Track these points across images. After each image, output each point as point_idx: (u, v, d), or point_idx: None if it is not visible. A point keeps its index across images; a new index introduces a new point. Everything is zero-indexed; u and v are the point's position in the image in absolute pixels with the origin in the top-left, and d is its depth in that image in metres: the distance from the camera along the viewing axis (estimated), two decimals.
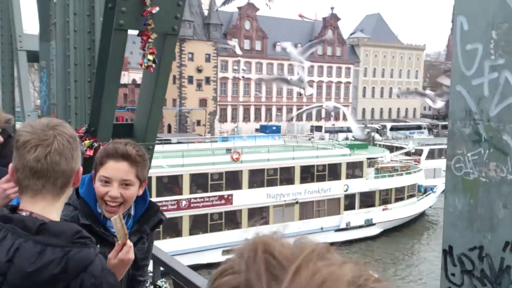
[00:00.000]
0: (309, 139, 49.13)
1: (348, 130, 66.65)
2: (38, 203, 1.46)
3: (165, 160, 25.36)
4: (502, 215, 1.70)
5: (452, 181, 1.86)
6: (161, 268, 3.54)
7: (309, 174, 29.78)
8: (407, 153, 44.78)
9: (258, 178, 28.45)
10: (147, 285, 3.11)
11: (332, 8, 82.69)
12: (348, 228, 29.90)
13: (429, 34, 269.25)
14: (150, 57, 4.17)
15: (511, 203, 1.67)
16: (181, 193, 26.31)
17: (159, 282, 3.49)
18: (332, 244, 0.63)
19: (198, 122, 68.14)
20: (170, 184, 26.59)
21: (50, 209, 1.47)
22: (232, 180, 27.85)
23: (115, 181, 1.99)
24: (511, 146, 1.66)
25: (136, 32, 4.20)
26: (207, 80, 70.14)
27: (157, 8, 4.09)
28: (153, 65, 4.19)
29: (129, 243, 1.83)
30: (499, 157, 1.70)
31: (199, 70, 68.75)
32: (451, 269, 1.86)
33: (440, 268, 1.88)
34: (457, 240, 1.84)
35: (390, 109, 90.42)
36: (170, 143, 36.34)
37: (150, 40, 4.14)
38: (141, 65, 4.21)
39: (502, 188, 1.70)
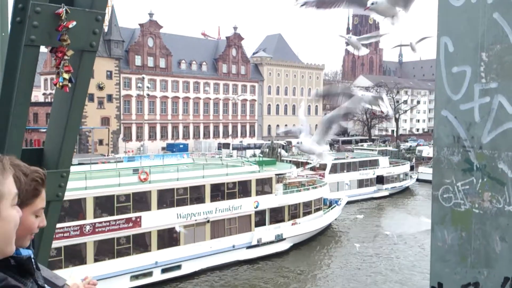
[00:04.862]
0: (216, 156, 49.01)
1: (256, 146, 67.71)
2: None
3: None
4: (499, 249, 1.58)
5: (440, 213, 1.72)
6: None
7: (219, 192, 29.56)
8: (312, 168, 46.23)
9: (168, 198, 27.72)
10: None
11: (235, 28, 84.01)
12: (259, 244, 30.01)
13: (326, 54, 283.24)
14: (66, 75, 3.74)
15: (510, 236, 1.57)
16: (84, 218, 24.88)
17: None
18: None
19: (101, 142, 65.45)
20: (72, 209, 25.01)
21: None
22: (140, 201, 26.86)
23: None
24: (508, 175, 1.56)
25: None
26: (109, 97, 67.81)
27: (74, 23, 3.67)
28: (69, 85, 3.77)
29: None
30: (495, 187, 1.59)
31: (100, 88, 66.32)
32: None
33: None
34: (447, 276, 1.71)
35: (294, 125, 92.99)
36: (71, 164, 34.33)
37: (66, 57, 3.72)
38: (55, 84, 3.76)
39: (498, 220, 1.58)
